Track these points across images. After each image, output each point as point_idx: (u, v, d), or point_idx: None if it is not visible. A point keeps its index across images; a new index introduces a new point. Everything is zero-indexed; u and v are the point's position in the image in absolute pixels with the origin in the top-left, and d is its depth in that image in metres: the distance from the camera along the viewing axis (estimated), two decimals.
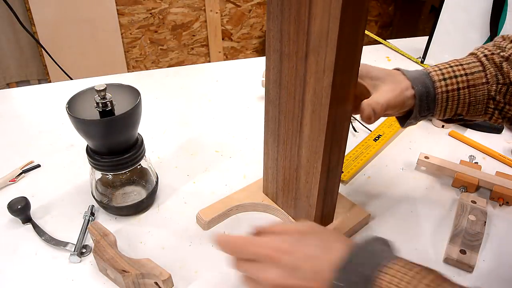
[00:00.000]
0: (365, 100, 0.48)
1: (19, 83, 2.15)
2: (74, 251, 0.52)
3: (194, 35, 2.43)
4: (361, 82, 0.51)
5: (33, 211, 0.59)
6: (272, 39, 0.46)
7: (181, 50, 2.46)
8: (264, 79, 0.86)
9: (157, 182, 0.62)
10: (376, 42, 1.23)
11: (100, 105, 0.51)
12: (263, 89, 0.53)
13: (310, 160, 0.48)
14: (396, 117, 0.53)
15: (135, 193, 0.60)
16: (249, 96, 0.92)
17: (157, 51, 2.41)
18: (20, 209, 0.56)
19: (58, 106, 0.87)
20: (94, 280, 0.50)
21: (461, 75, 0.49)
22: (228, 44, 2.53)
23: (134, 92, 0.55)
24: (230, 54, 2.59)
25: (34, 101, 0.90)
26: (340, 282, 0.33)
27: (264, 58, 0.49)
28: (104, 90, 0.50)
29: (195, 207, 0.59)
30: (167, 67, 2.38)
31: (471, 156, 0.72)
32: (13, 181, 0.66)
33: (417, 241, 0.56)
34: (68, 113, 0.49)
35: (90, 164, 0.56)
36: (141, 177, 0.61)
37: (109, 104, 0.51)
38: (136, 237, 0.56)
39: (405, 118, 0.52)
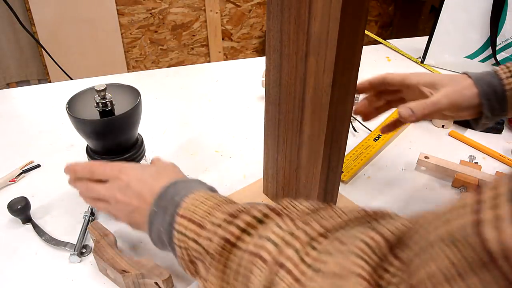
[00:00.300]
0: (411, 102, 0.50)
1: (19, 83, 2.15)
2: (74, 251, 0.52)
3: (194, 35, 2.43)
4: (424, 91, 0.52)
5: (33, 211, 0.59)
6: (272, 39, 0.46)
7: (181, 50, 2.46)
8: (264, 79, 0.86)
9: None
10: (376, 42, 1.23)
11: (100, 105, 0.50)
12: (263, 89, 0.54)
13: (310, 160, 0.48)
14: (470, 120, 0.53)
15: None
16: (249, 96, 0.92)
17: (157, 51, 2.41)
18: (20, 209, 0.56)
19: (58, 106, 0.87)
20: (94, 280, 0.50)
21: None
22: (228, 44, 2.53)
23: (134, 92, 0.54)
24: (230, 54, 2.59)
25: (34, 101, 0.90)
26: (155, 207, 0.39)
27: (264, 58, 0.49)
28: (104, 90, 0.50)
29: None
30: (167, 67, 2.38)
31: (471, 156, 0.72)
32: (13, 181, 0.66)
33: None
34: (68, 113, 0.49)
35: None
36: None
37: (109, 104, 0.51)
38: (136, 237, 0.56)
39: (478, 120, 0.52)
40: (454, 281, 0.18)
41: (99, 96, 0.50)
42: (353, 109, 0.59)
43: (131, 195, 0.42)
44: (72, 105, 0.52)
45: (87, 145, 0.56)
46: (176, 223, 0.36)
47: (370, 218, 0.30)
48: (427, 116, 0.50)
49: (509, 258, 0.15)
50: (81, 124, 0.49)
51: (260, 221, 0.32)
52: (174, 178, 0.42)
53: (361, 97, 0.60)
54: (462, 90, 0.49)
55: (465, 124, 0.82)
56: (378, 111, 0.60)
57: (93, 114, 0.51)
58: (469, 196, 0.19)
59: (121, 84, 0.56)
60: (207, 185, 0.42)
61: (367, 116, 0.60)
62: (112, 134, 0.51)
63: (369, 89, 0.58)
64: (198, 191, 0.38)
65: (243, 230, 0.32)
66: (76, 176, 0.48)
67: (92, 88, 0.52)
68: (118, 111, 0.52)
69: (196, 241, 0.34)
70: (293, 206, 0.34)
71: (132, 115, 0.52)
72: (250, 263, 0.30)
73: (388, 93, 0.58)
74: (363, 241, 0.25)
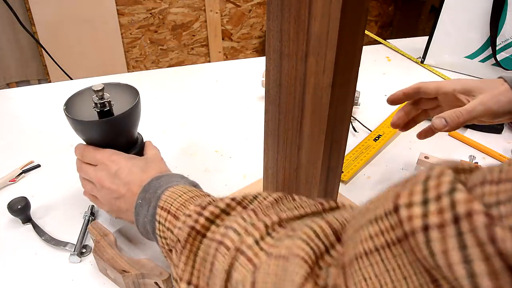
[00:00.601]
0: (445, 112, 0.50)
1: (19, 83, 2.15)
2: (74, 251, 0.52)
3: (194, 35, 2.43)
4: (461, 98, 0.52)
5: (33, 211, 0.59)
6: (272, 39, 0.46)
7: (181, 50, 2.46)
8: (264, 79, 0.86)
9: None
10: (376, 42, 1.23)
11: (98, 105, 0.50)
12: (263, 89, 0.54)
13: (310, 160, 0.48)
14: (507, 124, 0.54)
15: None
16: (249, 96, 0.93)
17: (157, 51, 2.41)
18: (20, 209, 0.56)
19: (58, 106, 0.87)
20: (94, 280, 0.50)
21: None
22: (228, 44, 2.53)
23: (132, 91, 0.54)
24: (230, 54, 2.59)
25: (34, 101, 0.90)
26: (140, 199, 0.42)
27: (264, 58, 0.49)
28: (102, 90, 0.49)
29: None
30: (167, 67, 2.38)
31: (471, 156, 0.72)
32: (13, 181, 0.66)
33: None
34: (66, 114, 0.49)
35: None
36: None
37: (107, 105, 0.50)
38: (136, 237, 0.56)
39: None
40: (371, 254, 0.21)
41: (97, 96, 0.49)
42: (391, 122, 0.60)
43: (119, 183, 0.45)
44: (69, 106, 0.51)
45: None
46: (157, 214, 0.39)
47: (326, 211, 0.33)
48: (462, 124, 0.50)
49: (415, 234, 0.18)
50: (79, 125, 0.49)
51: (227, 213, 0.35)
52: (159, 172, 0.46)
53: (395, 107, 0.60)
54: (498, 96, 0.49)
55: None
56: (415, 120, 0.61)
57: (91, 114, 0.51)
58: (397, 186, 0.23)
59: (119, 83, 0.55)
60: (189, 180, 0.45)
61: (405, 127, 0.61)
62: (111, 135, 0.51)
63: (404, 100, 0.58)
64: (178, 185, 0.41)
65: (211, 221, 0.34)
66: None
67: (90, 88, 0.51)
68: (116, 111, 0.51)
69: (171, 231, 0.37)
70: (257, 200, 0.36)
71: (131, 115, 0.51)
72: (215, 250, 0.32)
73: (424, 102, 0.58)
74: (311, 228, 0.28)
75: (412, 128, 0.82)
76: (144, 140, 0.57)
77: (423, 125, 0.82)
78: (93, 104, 0.50)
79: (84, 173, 0.50)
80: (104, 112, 0.50)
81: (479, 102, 0.50)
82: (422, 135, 0.60)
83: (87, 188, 0.51)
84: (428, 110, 0.60)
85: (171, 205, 0.38)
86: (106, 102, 0.50)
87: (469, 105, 0.50)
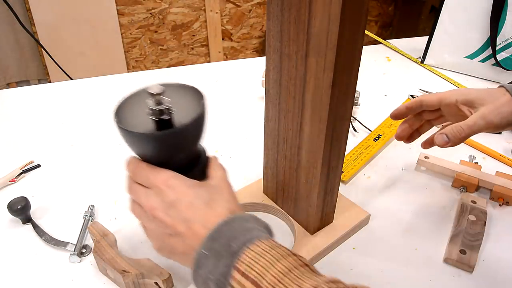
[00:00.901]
0: (447, 127, 0.50)
1: (19, 83, 2.15)
2: (74, 251, 0.52)
3: (194, 35, 2.43)
4: (463, 109, 0.51)
5: (33, 211, 0.59)
6: (272, 39, 0.46)
7: (181, 50, 2.46)
8: (264, 79, 0.86)
9: None
10: (376, 42, 1.23)
11: (155, 113, 0.39)
12: (263, 89, 0.53)
13: (310, 160, 0.48)
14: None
15: None
16: (249, 96, 0.92)
17: (157, 51, 2.41)
18: (20, 209, 0.56)
19: (58, 106, 0.87)
20: (94, 280, 0.50)
21: None
22: (228, 44, 2.53)
23: (195, 95, 0.43)
24: (230, 54, 2.59)
25: (34, 101, 0.90)
26: (206, 249, 0.34)
27: (264, 58, 0.49)
28: (161, 93, 0.39)
29: None
30: (167, 67, 2.38)
31: (471, 156, 0.72)
32: (13, 181, 0.66)
33: (417, 241, 0.56)
34: (115, 122, 0.39)
35: None
36: None
37: (166, 112, 0.40)
38: (136, 237, 0.56)
39: None
40: None
41: (153, 101, 0.39)
42: (395, 135, 0.60)
43: (176, 218, 0.37)
44: (120, 112, 0.41)
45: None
46: (232, 278, 0.32)
47: None
48: (464, 139, 0.49)
49: None
50: (129, 137, 0.39)
51: None
52: (230, 211, 0.37)
53: (395, 107, 0.60)
54: (500, 108, 0.49)
55: None
56: (419, 131, 0.61)
57: (146, 123, 0.40)
58: None
59: (177, 83, 0.44)
60: (261, 221, 0.38)
61: (409, 139, 0.61)
62: (170, 150, 0.41)
63: (407, 114, 0.58)
64: (258, 241, 0.34)
65: None
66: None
67: (144, 91, 0.41)
68: (177, 119, 0.41)
69: None
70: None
71: (197, 126, 0.41)
72: None
73: (427, 113, 0.59)
74: None
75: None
76: (207, 155, 0.46)
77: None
78: (149, 111, 0.40)
79: (134, 195, 0.41)
80: (163, 121, 0.40)
81: (480, 116, 0.49)
82: (427, 144, 0.60)
83: (136, 213, 0.41)
84: (431, 121, 0.60)
85: (251, 268, 0.32)
86: (165, 109, 0.39)
87: (470, 120, 0.49)
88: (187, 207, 0.37)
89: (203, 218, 0.36)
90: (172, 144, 0.40)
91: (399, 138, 0.60)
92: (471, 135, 0.49)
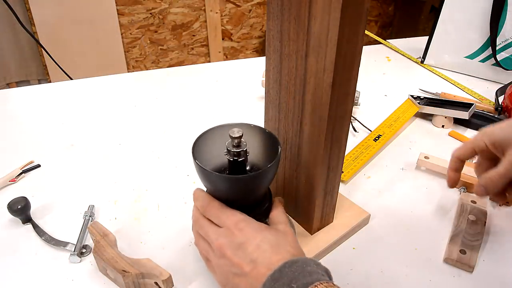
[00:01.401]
0: (482, 176, 0.49)
1: (19, 83, 2.16)
2: (74, 251, 0.52)
3: (194, 35, 2.43)
4: (494, 151, 0.50)
5: (33, 211, 0.59)
6: (272, 39, 0.46)
7: (181, 50, 2.46)
8: (264, 79, 0.86)
9: None
10: (376, 42, 1.23)
11: (232, 153, 0.43)
12: (263, 89, 0.53)
13: (310, 160, 0.48)
14: None
15: None
16: (249, 96, 0.93)
17: (157, 51, 2.41)
18: (20, 209, 0.56)
19: (58, 106, 0.87)
20: (94, 280, 0.50)
21: None
22: (228, 44, 2.54)
23: (271, 140, 0.46)
24: (230, 54, 2.59)
25: (34, 101, 0.90)
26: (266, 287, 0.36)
27: (264, 58, 0.49)
28: (241, 137, 0.42)
29: None
30: (167, 67, 2.38)
31: None
32: (13, 181, 0.66)
33: (417, 241, 0.56)
34: (194, 159, 0.42)
35: None
36: None
37: (242, 154, 0.43)
38: (136, 237, 0.56)
39: None
40: None
41: (233, 143, 0.42)
42: (449, 185, 0.57)
43: (243, 258, 0.39)
44: (197, 146, 0.44)
45: (206, 191, 0.48)
46: None
47: None
48: (502, 187, 0.49)
49: None
50: (207, 175, 0.42)
51: None
52: (293, 255, 0.39)
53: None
54: None
55: (465, 124, 0.82)
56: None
57: (218, 155, 0.44)
58: None
59: (256, 126, 0.47)
60: (322, 266, 0.38)
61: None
62: (242, 191, 0.44)
63: (459, 173, 0.57)
64: (318, 283, 0.35)
65: None
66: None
67: (221, 127, 0.46)
68: (249, 161, 0.45)
69: None
70: None
71: (271, 172, 0.43)
72: None
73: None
74: None
75: (412, 128, 0.82)
76: (272, 196, 0.49)
77: (423, 126, 0.82)
78: (226, 150, 0.43)
79: (202, 230, 0.43)
80: (237, 162, 0.43)
81: (510, 162, 0.47)
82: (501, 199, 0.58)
83: (201, 246, 0.44)
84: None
85: None
86: (241, 152, 0.43)
87: (502, 167, 0.48)
88: (254, 249, 0.39)
89: (268, 261, 0.38)
90: (246, 186, 0.43)
91: (453, 185, 0.58)
92: (507, 182, 0.48)
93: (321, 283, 0.35)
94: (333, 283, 0.35)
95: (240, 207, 0.44)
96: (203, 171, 0.41)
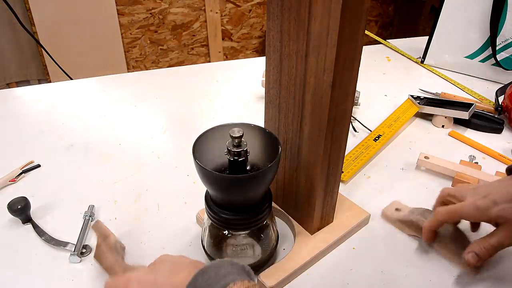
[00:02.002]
0: (473, 243, 0.49)
1: (19, 83, 2.15)
2: (74, 251, 0.52)
3: (194, 35, 2.43)
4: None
5: (33, 211, 0.59)
6: (272, 39, 0.46)
7: (181, 50, 2.46)
8: (264, 79, 0.86)
9: (277, 241, 0.52)
10: (376, 42, 1.23)
11: (233, 153, 0.43)
12: (263, 89, 0.53)
13: (310, 160, 0.48)
14: None
15: (247, 246, 0.51)
16: (249, 96, 0.93)
17: (157, 51, 2.41)
18: (20, 209, 0.56)
19: (58, 106, 0.87)
20: (94, 280, 0.50)
21: None
22: (228, 44, 2.53)
23: (271, 140, 0.46)
24: (230, 54, 2.59)
25: (34, 101, 0.90)
26: None
27: (264, 58, 0.49)
28: (241, 136, 0.42)
29: (195, 207, 0.59)
30: (167, 67, 2.38)
31: (471, 156, 0.72)
32: (13, 181, 0.66)
33: (417, 241, 0.56)
34: (195, 161, 0.42)
35: (207, 214, 0.48)
36: (259, 230, 0.51)
37: (242, 154, 0.43)
38: (136, 237, 0.56)
39: None
40: None
41: (233, 143, 0.42)
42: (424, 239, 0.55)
43: None
44: (198, 146, 0.44)
45: (207, 191, 0.47)
46: None
47: None
48: (492, 255, 0.49)
49: None
50: (206, 174, 0.42)
51: None
52: (197, 268, 0.36)
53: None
54: None
55: (465, 124, 0.82)
56: None
57: (218, 155, 0.44)
58: None
59: (256, 126, 0.47)
60: (238, 265, 0.37)
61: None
62: (241, 190, 0.43)
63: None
64: (234, 282, 0.33)
65: None
66: None
67: (222, 126, 0.45)
68: (250, 160, 0.45)
69: None
70: None
71: (270, 172, 0.43)
72: None
73: None
74: None
75: (412, 128, 0.82)
76: (272, 197, 0.48)
77: (423, 125, 0.82)
78: (226, 150, 0.43)
79: None
80: (238, 162, 0.43)
81: (506, 235, 0.47)
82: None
83: None
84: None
85: None
86: (242, 151, 0.43)
87: (495, 240, 0.48)
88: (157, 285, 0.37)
89: (174, 286, 0.36)
90: (247, 186, 0.42)
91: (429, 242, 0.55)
92: (498, 251, 0.49)
93: (235, 283, 0.33)
94: (249, 281, 0.34)
95: (240, 207, 0.44)
96: (203, 171, 0.41)
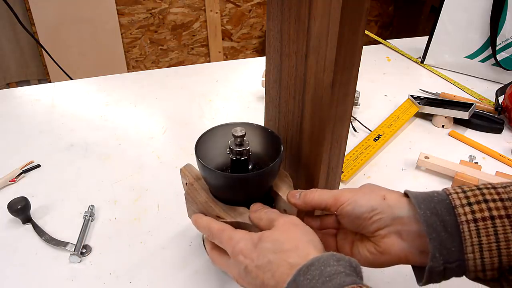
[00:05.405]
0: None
1: (19, 83, 2.16)
2: (74, 251, 0.52)
3: (194, 35, 2.43)
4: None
5: (33, 211, 0.59)
6: (272, 39, 0.46)
7: (181, 50, 2.46)
8: (264, 79, 0.86)
9: None
10: (376, 42, 1.23)
11: (235, 152, 0.43)
12: (263, 89, 0.53)
13: (310, 160, 0.48)
14: (414, 272, 0.38)
15: None
16: (249, 96, 0.93)
17: (157, 51, 2.41)
18: (20, 209, 0.56)
19: (58, 106, 0.87)
20: (94, 280, 0.50)
21: (494, 200, 0.34)
22: (228, 44, 2.53)
23: (273, 139, 0.45)
24: (230, 54, 2.59)
25: (34, 101, 0.90)
26: None
27: (264, 58, 0.49)
28: (243, 136, 0.42)
29: None
30: (167, 67, 2.38)
31: (471, 156, 0.72)
32: (13, 181, 0.66)
33: None
34: (196, 156, 0.42)
35: None
36: None
37: (245, 153, 0.43)
38: (136, 237, 0.56)
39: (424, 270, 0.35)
40: None
41: (235, 142, 0.42)
42: None
43: (254, 284, 0.35)
44: (200, 144, 0.44)
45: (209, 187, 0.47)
46: None
47: None
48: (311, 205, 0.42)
49: None
50: (208, 173, 0.42)
51: None
52: (302, 258, 0.33)
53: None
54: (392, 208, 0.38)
55: (465, 124, 0.82)
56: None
57: (219, 154, 0.44)
58: None
59: (259, 126, 0.47)
60: (344, 259, 0.32)
61: None
62: (243, 189, 0.43)
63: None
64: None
65: None
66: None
67: (225, 126, 0.45)
68: (252, 160, 0.45)
69: None
70: None
71: (272, 172, 0.43)
72: None
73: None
74: None
75: (412, 128, 0.82)
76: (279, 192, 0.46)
77: (423, 125, 0.82)
78: (228, 149, 0.43)
79: (212, 258, 0.42)
80: (240, 161, 0.43)
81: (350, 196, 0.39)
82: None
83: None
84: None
85: None
86: (244, 151, 0.43)
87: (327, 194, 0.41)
88: (257, 271, 0.35)
89: (275, 280, 0.33)
90: (250, 184, 0.42)
91: None
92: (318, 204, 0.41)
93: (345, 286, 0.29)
94: (360, 286, 0.29)
95: (243, 202, 0.44)
96: (206, 170, 0.41)
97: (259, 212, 0.41)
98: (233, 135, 0.42)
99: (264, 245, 0.36)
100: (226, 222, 0.41)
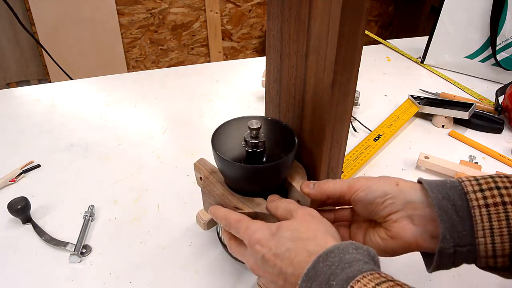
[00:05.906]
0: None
1: (19, 83, 2.16)
2: (74, 251, 0.52)
3: (194, 35, 2.43)
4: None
5: (33, 211, 0.59)
6: (272, 39, 0.46)
7: (181, 50, 2.46)
8: (264, 79, 0.86)
9: None
10: (376, 42, 1.23)
11: (250, 144, 0.43)
12: (263, 89, 0.53)
13: (310, 160, 0.48)
14: (423, 259, 0.39)
15: None
16: (249, 96, 0.93)
17: (157, 51, 2.41)
18: (20, 209, 0.56)
19: (58, 106, 0.87)
20: (94, 280, 0.50)
21: (506, 187, 0.34)
22: (228, 44, 2.54)
23: (287, 132, 0.46)
24: (230, 54, 2.59)
25: (34, 101, 0.90)
26: None
27: (264, 58, 0.49)
28: (259, 128, 0.43)
29: (195, 207, 0.59)
30: (167, 67, 2.38)
31: (471, 156, 0.72)
32: (13, 181, 0.66)
33: None
34: (213, 147, 0.43)
35: None
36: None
37: (260, 145, 0.44)
38: (136, 237, 0.56)
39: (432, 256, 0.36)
40: None
41: (251, 134, 0.43)
42: None
43: (271, 272, 0.36)
44: (216, 137, 0.45)
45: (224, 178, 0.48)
46: None
47: None
48: (325, 195, 0.42)
49: None
50: (225, 165, 0.43)
51: None
52: (320, 247, 0.33)
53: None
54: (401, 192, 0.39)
55: (465, 124, 0.82)
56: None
57: (234, 147, 0.45)
58: None
59: (273, 120, 0.48)
60: (362, 248, 0.33)
61: None
62: (258, 181, 0.44)
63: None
64: (363, 274, 0.30)
65: None
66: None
67: (241, 119, 0.46)
68: (267, 152, 0.45)
69: None
70: None
71: (286, 163, 0.44)
72: None
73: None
74: None
75: (412, 128, 0.82)
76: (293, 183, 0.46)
77: (423, 125, 0.82)
78: (244, 141, 0.44)
79: (229, 248, 0.43)
80: (256, 153, 0.44)
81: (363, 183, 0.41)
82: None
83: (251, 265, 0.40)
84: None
85: None
86: (259, 143, 0.43)
87: (337, 183, 0.42)
88: (275, 259, 0.35)
89: (293, 267, 0.34)
90: (267, 175, 0.43)
91: None
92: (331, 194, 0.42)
93: (365, 277, 0.29)
94: (379, 272, 0.30)
95: (258, 194, 0.45)
96: (224, 162, 0.42)
97: (277, 202, 0.42)
98: (249, 128, 0.43)
99: (282, 234, 0.36)
100: (243, 213, 0.42)
